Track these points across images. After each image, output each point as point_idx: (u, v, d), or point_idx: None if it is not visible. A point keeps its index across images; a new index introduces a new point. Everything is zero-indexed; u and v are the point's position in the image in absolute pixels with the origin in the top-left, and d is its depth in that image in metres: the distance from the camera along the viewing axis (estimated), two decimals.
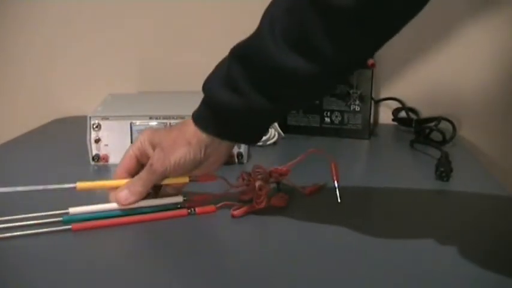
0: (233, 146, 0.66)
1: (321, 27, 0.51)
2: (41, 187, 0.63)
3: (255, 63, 0.56)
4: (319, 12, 0.50)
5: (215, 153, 0.62)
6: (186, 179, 0.65)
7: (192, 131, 0.61)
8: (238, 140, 0.66)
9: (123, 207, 0.63)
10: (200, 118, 0.61)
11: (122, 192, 0.63)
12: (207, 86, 0.61)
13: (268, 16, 0.55)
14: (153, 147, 0.63)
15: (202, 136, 0.61)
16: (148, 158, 0.63)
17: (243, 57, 0.57)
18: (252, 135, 0.64)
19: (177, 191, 0.67)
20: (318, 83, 0.57)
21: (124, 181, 0.64)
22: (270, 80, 0.56)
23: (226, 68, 0.58)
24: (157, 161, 0.61)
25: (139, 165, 0.65)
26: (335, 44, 0.51)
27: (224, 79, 0.58)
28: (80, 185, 0.64)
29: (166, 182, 0.65)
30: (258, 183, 0.65)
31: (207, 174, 0.65)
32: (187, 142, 0.61)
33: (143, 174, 0.63)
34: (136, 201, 0.63)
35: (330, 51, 0.52)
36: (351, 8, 0.48)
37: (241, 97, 0.57)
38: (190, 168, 0.62)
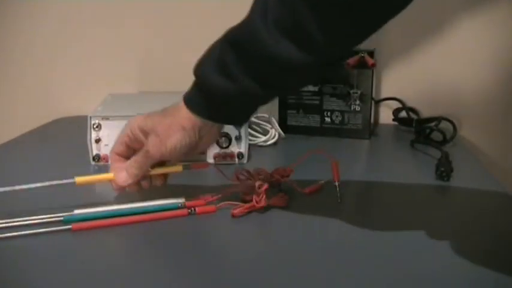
0: (223, 127, 0.68)
1: (313, 16, 0.51)
2: (39, 184, 0.64)
3: (247, 49, 0.56)
4: (310, 1, 0.50)
5: (208, 134, 0.64)
6: (179, 168, 0.67)
7: (185, 115, 0.62)
8: (230, 123, 0.67)
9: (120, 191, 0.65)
10: (192, 102, 0.62)
11: (121, 173, 0.64)
12: (199, 70, 0.61)
13: (260, 3, 0.55)
14: (144, 133, 0.64)
15: (196, 120, 0.62)
16: (139, 143, 0.65)
17: (236, 43, 0.57)
18: (243, 117, 0.66)
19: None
20: (309, 70, 0.57)
21: None
22: (261, 67, 0.56)
23: (218, 53, 0.59)
24: (153, 147, 0.62)
25: (130, 150, 0.66)
26: (326, 33, 0.52)
27: (217, 64, 0.59)
28: (79, 179, 0.65)
29: (159, 171, 0.66)
30: (257, 183, 0.65)
31: (200, 163, 0.68)
32: (182, 127, 0.62)
33: (139, 157, 0.64)
34: (134, 183, 0.65)
35: (321, 40, 0.52)
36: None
37: (234, 82, 0.58)
38: (185, 152, 0.63)
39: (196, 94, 0.61)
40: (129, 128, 0.65)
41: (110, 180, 0.66)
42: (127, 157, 0.66)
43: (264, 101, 0.64)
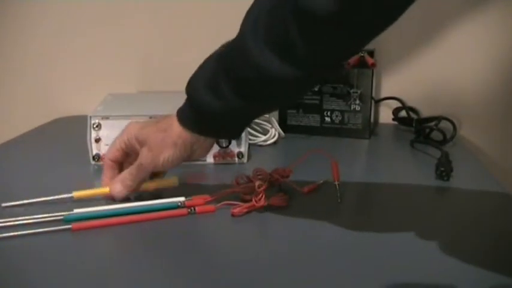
0: (216, 140, 0.69)
1: (301, 34, 0.51)
2: (39, 199, 0.66)
3: (235, 64, 0.57)
4: (299, 19, 0.51)
5: (200, 148, 0.65)
6: (175, 181, 0.69)
7: (177, 131, 0.63)
8: (222, 137, 0.69)
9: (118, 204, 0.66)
10: (185, 118, 0.63)
11: (116, 185, 0.66)
12: (190, 87, 0.62)
13: (250, 19, 0.56)
14: (140, 142, 0.65)
15: (188, 136, 0.63)
16: (135, 150, 0.66)
17: (225, 59, 0.58)
18: (235, 132, 0.67)
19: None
20: (299, 85, 0.58)
21: None
22: (251, 84, 0.57)
23: (209, 70, 0.60)
24: (146, 160, 0.64)
25: (125, 155, 0.68)
26: (314, 49, 0.52)
27: (206, 80, 0.60)
28: (77, 194, 0.67)
29: (155, 185, 0.68)
30: (257, 182, 0.65)
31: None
32: (174, 143, 0.63)
33: (133, 170, 0.65)
34: (128, 193, 0.66)
35: (309, 55, 0.53)
36: (330, 16, 0.49)
37: (220, 99, 0.59)
38: (178, 163, 0.65)
39: (188, 110, 0.63)
40: (126, 135, 0.66)
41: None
42: (121, 162, 0.68)
43: (255, 116, 0.66)
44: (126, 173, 0.66)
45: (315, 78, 0.59)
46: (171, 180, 0.70)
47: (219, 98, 0.59)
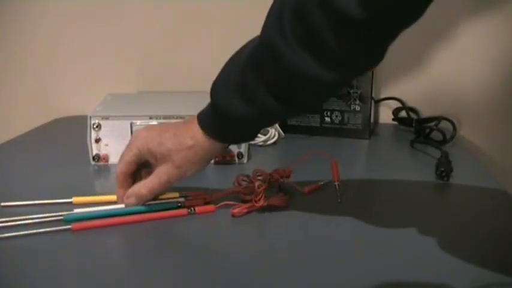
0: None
1: (333, 34, 0.50)
2: (37, 202, 0.66)
3: (267, 67, 0.55)
4: (328, 19, 0.49)
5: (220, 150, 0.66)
6: (176, 195, 0.68)
7: (205, 146, 0.62)
8: (243, 142, 0.69)
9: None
10: (212, 129, 0.62)
11: (131, 199, 0.64)
12: (217, 95, 0.61)
13: (274, 19, 0.54)
14: (156, 157, 0.63)
15: (214, 146, 0.63)
16: (146, 162, 0.65)
17: (254, 63, 0.57)
18: (255, 136, 0.67)
19: None
20: (332, 86, 0.57)
21: (115, 197, 0.66)
22: (283, 84, 0.55)
23: (239, 76, 0.58)
24: (173, 177, 0.63)
25: (138, 166, 0.66)
26: (348, 51, 0.51)
27: (235, 88, 0.58)
28: (76, 199, 0.67)
29: (163, 196, 0.67)
30: (257, 183, 0.65)
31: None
32: (203, 159, 0.64)
33: (154, 185, 0.64)
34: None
35: (342, 55, 0.51)
36: (361, 19, 0.47)
37: (257, 107, 0.58)
38: None
39: (214, 118, 0.61)
40: (137, 148, 0.64)
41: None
42: (132, 173, 0.66)
43: (283, 118, 0.65)
44: (142, 188, 0.64)
45: (346, 79, 0.57)
46: (173, 195, 0.68)
47: (254, 107, 0.58)
